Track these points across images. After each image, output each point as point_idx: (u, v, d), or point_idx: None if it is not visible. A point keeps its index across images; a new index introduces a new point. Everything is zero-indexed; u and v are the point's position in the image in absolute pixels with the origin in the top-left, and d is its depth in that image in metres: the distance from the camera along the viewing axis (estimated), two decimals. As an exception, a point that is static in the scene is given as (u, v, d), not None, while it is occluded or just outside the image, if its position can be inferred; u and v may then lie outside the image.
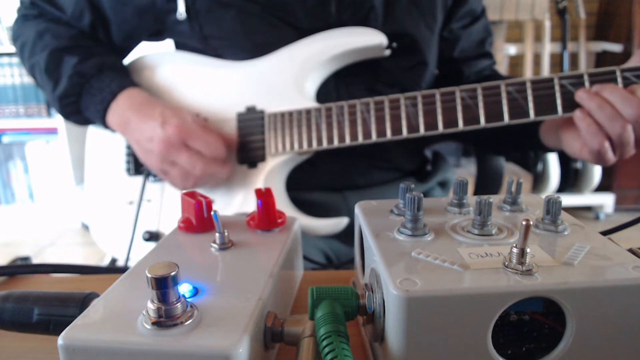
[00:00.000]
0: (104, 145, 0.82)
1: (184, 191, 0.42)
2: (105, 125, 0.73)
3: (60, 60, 0.72)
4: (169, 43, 0.83)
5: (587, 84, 0.60)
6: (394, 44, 0.71)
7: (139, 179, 0.78)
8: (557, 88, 0.61)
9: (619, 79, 0.60)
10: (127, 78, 0.74)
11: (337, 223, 0.70)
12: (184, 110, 0.69)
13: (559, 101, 0.61)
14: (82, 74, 0.71)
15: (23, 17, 0.78)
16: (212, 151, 0.67)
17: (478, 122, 0.63)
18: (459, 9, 0.79)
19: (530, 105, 0.62)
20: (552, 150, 0.73)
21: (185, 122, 0.66)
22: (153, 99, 0.70)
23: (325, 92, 0.73)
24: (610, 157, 0.59)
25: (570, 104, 0.61)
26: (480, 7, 0.82)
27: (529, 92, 0.62)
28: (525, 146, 0.81)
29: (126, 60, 0.81)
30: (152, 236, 0.75)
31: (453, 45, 0.81)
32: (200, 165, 0.66)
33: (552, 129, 0.69)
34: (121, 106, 0.69)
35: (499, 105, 0.62)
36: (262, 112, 0.71)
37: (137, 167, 0.78)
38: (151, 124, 0.66)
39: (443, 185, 0.88)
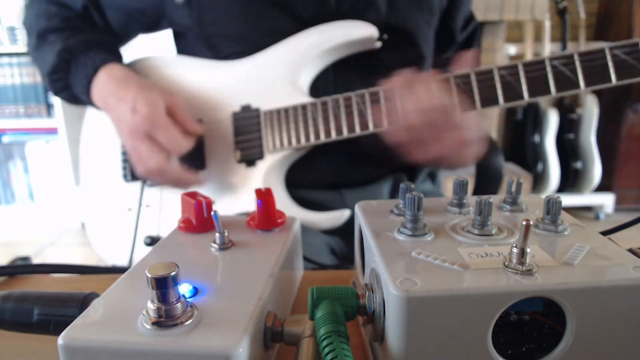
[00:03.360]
0: (99, 151, 0.82)
1: (184, 191, 0.42)
2: (91, 102, 0.73)
3: (50, 36, 0.73)
4: (167, 33, 0.83)
5: (577, 63, 0.61)
6: (385, 36, 0.71)
7: (136, 184, 0.78)
8: (548, 69, 0.62)
9: (609, 56, 0.61)
10: (113, 54, 0.74)
11: (339, 216, 0.71)
12: (159, 95, 0.67)
13: (551, 82, 0.62)
14: (70, 49, 0.71)
15: (29, 0, 0.79)
16: (175, 147, 0.65)
17: (474, 107, 0.64)
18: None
19: (524, 87, 0.63)
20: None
21: (155, 111, 0.65)
22: (131, 77, 0.69)
23: (323, 86, 0.73)
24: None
25: (563, 84, 0.62)
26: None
27: (522, 74, 0.63)
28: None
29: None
30: (154, 241, 0.75)
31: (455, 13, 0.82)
32: (157, 159, 0.65)
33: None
34: (101, 82, 0.70)
35: (493, 89, 0.63)
36: (257, 110, 0.71)
37: (134, 172, 0.78)
38: (123, 107, 0.66)
39: (433, 177, 0.88)
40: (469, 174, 0.89)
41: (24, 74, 2.35)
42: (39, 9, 0.76)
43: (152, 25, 0.79)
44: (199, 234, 0.40)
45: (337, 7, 0.70)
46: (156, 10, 0.75)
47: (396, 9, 0.72)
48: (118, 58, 0.74)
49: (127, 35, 0.81)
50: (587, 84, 0.62)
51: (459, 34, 0.84)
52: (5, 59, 2.33)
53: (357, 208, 0.40)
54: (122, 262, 0.78)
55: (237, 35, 0.73)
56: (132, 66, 0.79)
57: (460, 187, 0.37)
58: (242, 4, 0.70)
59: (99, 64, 0.70)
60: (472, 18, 0.86)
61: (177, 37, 0.82)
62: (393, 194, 0.81)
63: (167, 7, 0.74)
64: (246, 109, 0.72)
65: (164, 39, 0.84)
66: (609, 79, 0.61)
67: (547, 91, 0.62)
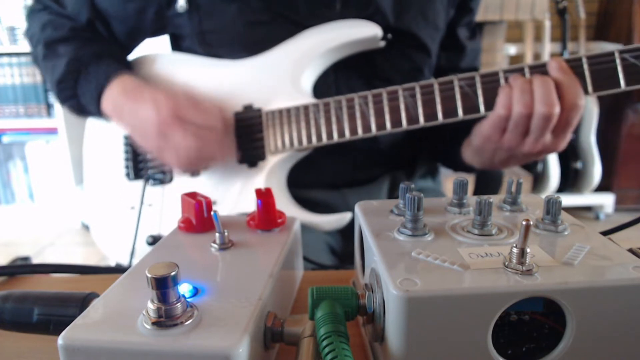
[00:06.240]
0: (102, 150, 0.82)
1: (185, 192, 0.42)
2: (100, 112, 0.72)
3: (59, 47, 0.73)
4: (164, 39, 0.82)
5: (585, 66, 0.60)
6: (389, 35, 0.71)
7: (139, 183, 0.78)
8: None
9: (618, 60, 0.59)
10: (123, 65, 0.74)
11: (341, 218, 0.71)
12: (174, 90, 0.69)
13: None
14: (80, 59, 0.71)
15: (31, 11, 0.79)
16: (206, 119, 0.65)
17: (478, 110, 0.63)
18: (462, 17, 0.79)
19: None
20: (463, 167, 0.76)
21: (177, 98, 0.65)
22: (144, 84, 0.69)
23: (325, 89, 0.73)
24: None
25: None
26: (473, 24, 0.84)
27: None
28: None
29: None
30: (156, 240, 0.75)
31: (460, 54, 0.81)
32: (196, 136, 0.64)
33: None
34: (114, 92, 0.69)
35: (497, 92, 0.62)
36: (259, 110, 0.71)
37: (136, 171, 0.78)
38: (144, 107, 0.66)
39: (433, 174, 0.88)
40: (469, 174, 0.88)
41: (24, 74, 2.35)
42: (44, 20, 0.76)
43: (157, 31, 0.78)
44: (199, 234, 0.40)
45: (342, 17, 0.70)
46: (159, 19, 0.75)
47: (402, 21, 0.71)
48: (128, 69, 0.74)
49: (133, 44, 0.80)
50: (595, 89, 0.59)
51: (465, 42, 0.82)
52: (5, 59, 2.33)
53: (357, 208, 0.40)
54: (126, 260, 0.78)
55: (237, 43, 0.72)
56: (134, 63, 0.79)
57: (460, 187, 0.37)
58: (245, 15, 0.70)
59: (111, 74, 0.70)
60: (475, 34, 0.83)
61: (176, 40, 0.81)
62: (392, 192, 0.81)
63: (168, 15, 0.74)
64: (248, 108, 0.72)
65: (161, 41, 0.84)
66: (617, 84, 0.59)
67: None
